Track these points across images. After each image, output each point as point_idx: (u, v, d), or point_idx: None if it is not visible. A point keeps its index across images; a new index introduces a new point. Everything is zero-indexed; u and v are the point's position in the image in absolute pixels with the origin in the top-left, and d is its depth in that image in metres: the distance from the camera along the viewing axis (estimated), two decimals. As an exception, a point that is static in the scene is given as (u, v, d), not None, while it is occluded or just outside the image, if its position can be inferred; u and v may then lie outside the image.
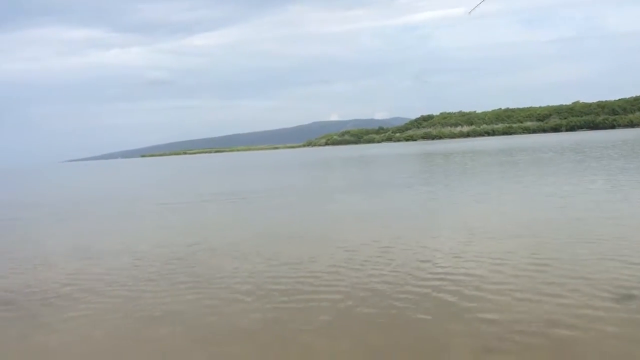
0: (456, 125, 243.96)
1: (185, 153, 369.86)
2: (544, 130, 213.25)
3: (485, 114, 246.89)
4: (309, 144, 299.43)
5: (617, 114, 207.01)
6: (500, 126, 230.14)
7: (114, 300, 8.64)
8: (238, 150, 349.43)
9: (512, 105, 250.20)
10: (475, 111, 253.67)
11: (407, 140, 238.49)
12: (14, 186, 57.31)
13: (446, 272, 9.12)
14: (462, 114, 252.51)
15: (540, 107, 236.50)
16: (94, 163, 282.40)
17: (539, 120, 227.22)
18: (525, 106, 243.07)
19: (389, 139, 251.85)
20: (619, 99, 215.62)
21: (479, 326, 6.64)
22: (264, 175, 47.36)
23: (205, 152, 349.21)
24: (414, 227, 14.04)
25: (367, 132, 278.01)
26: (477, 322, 6.76)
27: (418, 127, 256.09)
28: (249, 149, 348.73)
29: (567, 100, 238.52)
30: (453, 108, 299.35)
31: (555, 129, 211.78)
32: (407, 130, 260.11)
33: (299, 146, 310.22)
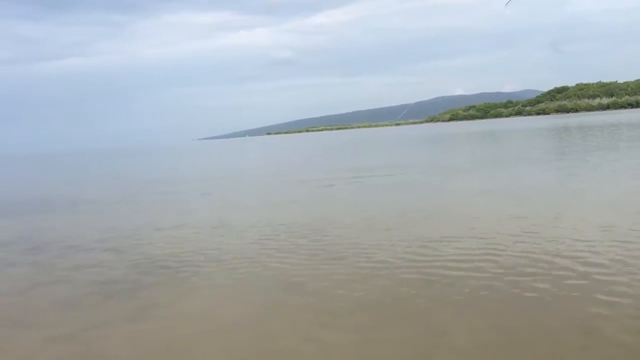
0: (594, 97, 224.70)
1: (307, 130, 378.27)
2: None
3: (627, 84, 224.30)
4: (432, 119, 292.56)
5: None
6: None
7: (253, 270, 9.06)
8: (359, 127, 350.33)
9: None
10: (616, 81, 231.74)
11: (538, 114, 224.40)
12: (157, 164, 62.28)
13: (591, 252, 8.49)
14: (601, 85, 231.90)
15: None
16: (224, 141, 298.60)
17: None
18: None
19: (519, 113, 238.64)
20: None
21: (627, 312, 6.12)
22: (387, 152, 47.18)
23: (327, 130, 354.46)
24: (553, 205, 13.18)
25: (495, 106, 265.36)
26: (626, 307, 6.23)
27: (551, 100, 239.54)
28: (370, 126, 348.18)
29: None
30: (591, 78, 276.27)
31: None
32: (538, 103, 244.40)
33: (422, 122, 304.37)
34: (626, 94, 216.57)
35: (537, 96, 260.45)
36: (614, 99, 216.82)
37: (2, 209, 21.59)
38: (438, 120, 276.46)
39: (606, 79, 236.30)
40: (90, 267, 10.11)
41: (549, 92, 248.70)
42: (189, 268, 9.52)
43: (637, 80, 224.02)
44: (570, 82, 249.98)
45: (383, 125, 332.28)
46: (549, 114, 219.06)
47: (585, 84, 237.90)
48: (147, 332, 6.66)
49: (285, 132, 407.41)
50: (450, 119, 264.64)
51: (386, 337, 5.98)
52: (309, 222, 13.03)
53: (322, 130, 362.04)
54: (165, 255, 10.68)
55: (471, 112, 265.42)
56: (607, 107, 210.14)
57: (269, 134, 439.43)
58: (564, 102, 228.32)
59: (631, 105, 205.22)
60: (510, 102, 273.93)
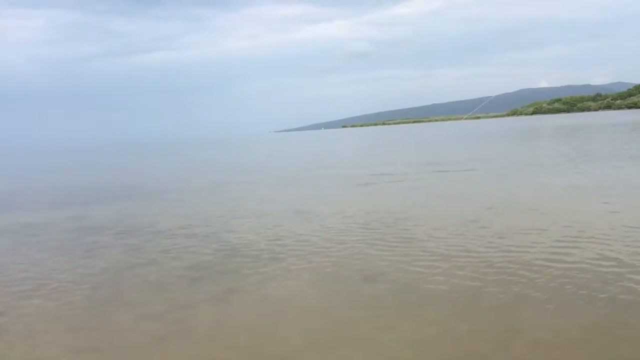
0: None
1: (384, 124, 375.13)
2: None
3: None
4: (515, 113, 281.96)
5: None
6: None
7: (333, 259, 9.19)
8: (437, 120, 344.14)
9: None
10: None
11: (629, 107, 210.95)
12: (236, 155, 63.99)
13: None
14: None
15: None
16: (301, 133, 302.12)
17: None
18: None
19: (608, 107, 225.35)
20: None
21: None
22: (468, 146, 46.06)
23: (404, 123, 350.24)
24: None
25: (582, 100, 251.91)
26: None
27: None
28: (449, 119, 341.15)
29: None
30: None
31: None
32: (630, 96, 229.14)
33: (503, 115, 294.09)
34: None
35: (629, 89, 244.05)
36: None
37: (96, 195, 22.95)
38: (521, 114, 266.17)
39: None
40: (177, 252, 10.60)
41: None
42: (271, 255, 9.77)
43: None
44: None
45: (462, 119, 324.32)
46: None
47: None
48: (231, 314, 6.95)
49: (361, 125, 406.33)
50: (534, 113, 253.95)
51: (464, 330, 5.91)
52: (390, 214, 13.03)
53: (398, 123, 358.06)
54: (248, 242, 11.02)
55: (556, 105, 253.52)
56: None
57: (344, 126, 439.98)
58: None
59: None
60: (599, 95, 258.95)
